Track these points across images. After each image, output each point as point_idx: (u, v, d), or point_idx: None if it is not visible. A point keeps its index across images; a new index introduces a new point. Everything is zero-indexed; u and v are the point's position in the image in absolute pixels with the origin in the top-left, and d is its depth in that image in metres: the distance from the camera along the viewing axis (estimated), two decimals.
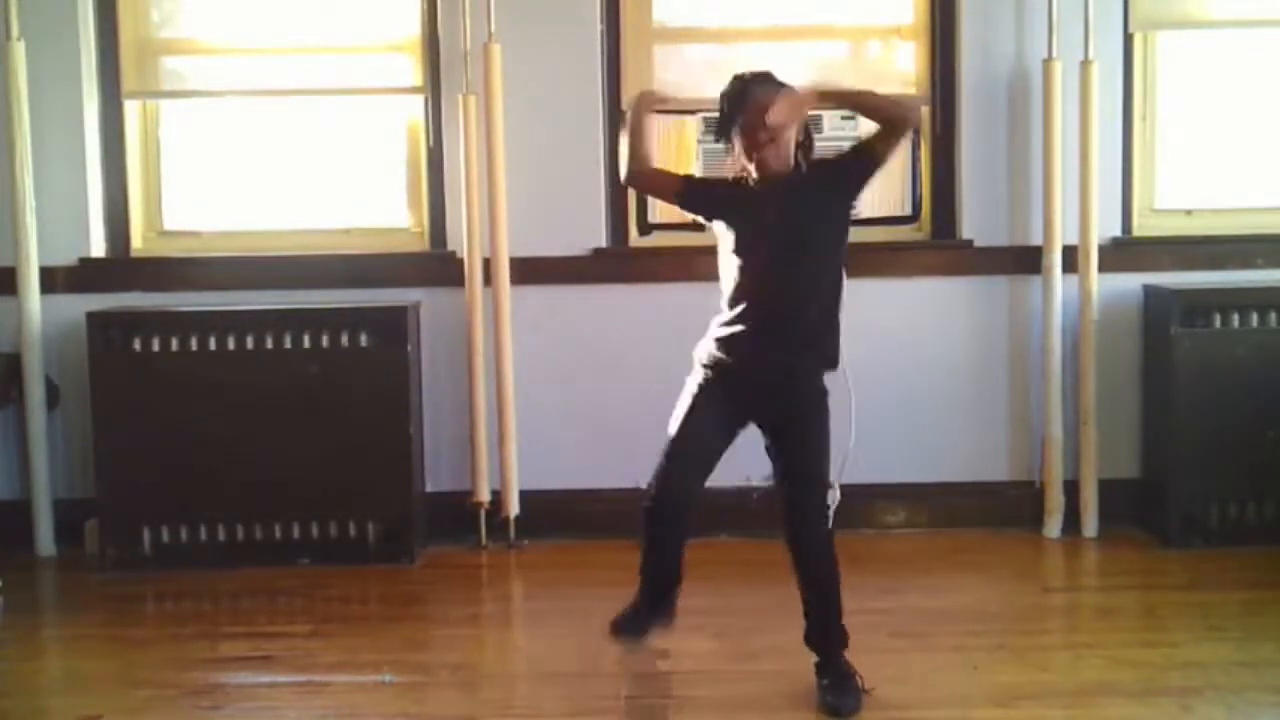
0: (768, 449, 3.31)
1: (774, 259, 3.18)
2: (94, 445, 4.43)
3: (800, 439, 3.28)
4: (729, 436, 3.31)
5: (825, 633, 3.29)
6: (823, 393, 3.30)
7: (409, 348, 4.44)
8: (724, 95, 3.24)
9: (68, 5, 4.61)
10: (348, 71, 4.77)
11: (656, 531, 3.30)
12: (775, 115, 3.11)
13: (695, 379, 3.32)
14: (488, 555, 4.55)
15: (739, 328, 3.22)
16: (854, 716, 3.14)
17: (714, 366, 3.27)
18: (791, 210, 3.18)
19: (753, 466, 4.65)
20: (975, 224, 4.66)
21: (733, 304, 3.24)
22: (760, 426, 3.30)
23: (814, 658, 3.29)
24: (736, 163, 3.24)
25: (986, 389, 4.70)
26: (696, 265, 4.65)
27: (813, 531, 3.27)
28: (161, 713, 3.27)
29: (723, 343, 3.25)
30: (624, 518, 4.57)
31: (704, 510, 4.61)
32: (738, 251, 3.23)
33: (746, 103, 3.17)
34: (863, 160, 3.21)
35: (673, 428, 3.27)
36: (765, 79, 3.22)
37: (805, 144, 3.26)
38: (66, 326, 4.59)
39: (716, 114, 3.27)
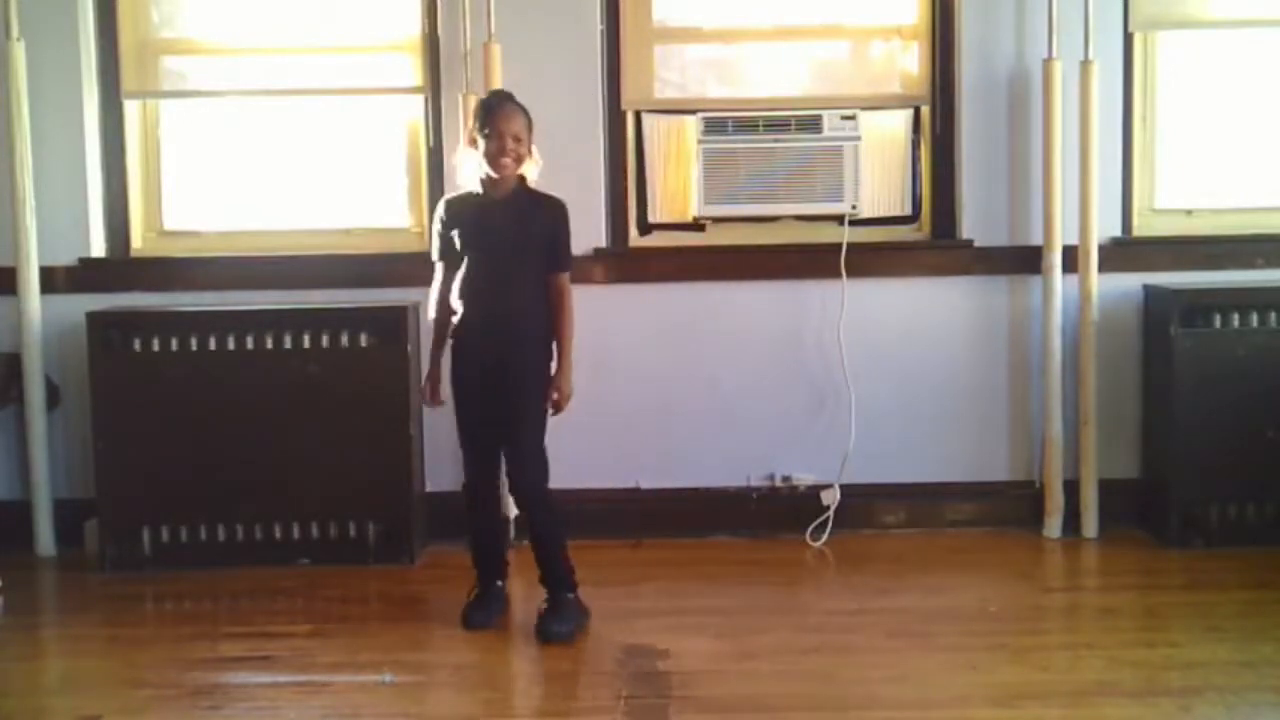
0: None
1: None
2: (94, 445, 4.43)
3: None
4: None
5: (552, 573, 3.75)
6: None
7: (409, 348, 4.44)
8: (484, 100, 3.78)
9: (68, 5, 4.61)
10: (348, 71, 4.77)
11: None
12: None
13: None
14: None
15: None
16: (564, 643, 3.63)
17: None
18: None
19: (751, 468, 4.72)
20: (975, 224, 4.66)
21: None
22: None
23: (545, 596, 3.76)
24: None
25: (986, 389, 4.70)
26: (696, 265, 4.70)
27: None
28: (161, 713, 3.27)
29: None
30: (624, 517, 4.63)
31: (703, 510, 4.68)
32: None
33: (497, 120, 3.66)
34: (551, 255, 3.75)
35: None
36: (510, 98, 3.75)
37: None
38: (66, 326, 4.59)
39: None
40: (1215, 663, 3.41)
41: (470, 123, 3.81)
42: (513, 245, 3.70)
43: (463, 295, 3.72)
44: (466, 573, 3.88)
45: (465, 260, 3.72)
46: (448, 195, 3.86)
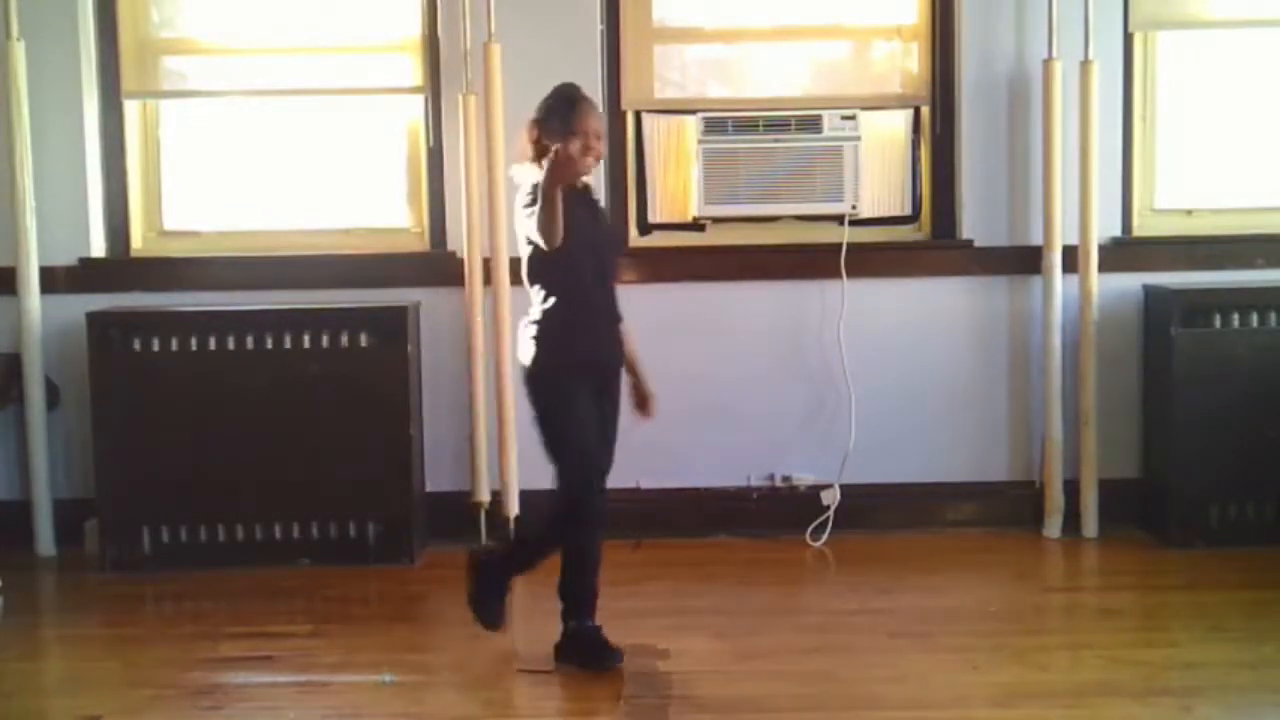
0: None
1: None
2: (94, 445, 4.43)
3: None
4: None
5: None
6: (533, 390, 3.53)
7: (409, 348, 4.44)
8: (562, 96, 3.46)
9: (68, 5, 4.61)
10: (348, 71, 4.77)
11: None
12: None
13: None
14: None
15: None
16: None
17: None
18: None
19: (751, 468, 4.72)
20: (975, 224, 4.66)
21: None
22: None
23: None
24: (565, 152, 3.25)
25: (986, 389, 4.70)
26: (696, 265, 4.70)
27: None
28: (161, 713, 3.27)
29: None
30: (624, 517, 4.61)
31: (703, 510, 4.68)
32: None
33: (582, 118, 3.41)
34: None
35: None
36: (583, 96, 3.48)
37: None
38: (66, 326, 4.59)
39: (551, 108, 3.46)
40: (1215, 663, 3.41)
41: (540, 117, 3.44)
42: (610, 244, 3.58)
43: (575, 295, 3.41)
44: (465, 573, 3.87)
45: (571, 257, 3.33)
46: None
